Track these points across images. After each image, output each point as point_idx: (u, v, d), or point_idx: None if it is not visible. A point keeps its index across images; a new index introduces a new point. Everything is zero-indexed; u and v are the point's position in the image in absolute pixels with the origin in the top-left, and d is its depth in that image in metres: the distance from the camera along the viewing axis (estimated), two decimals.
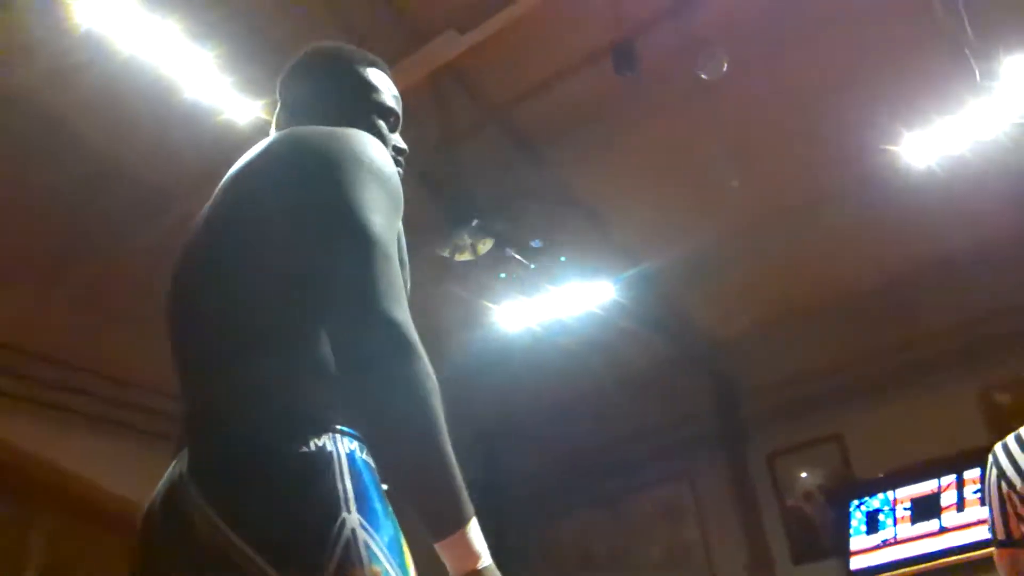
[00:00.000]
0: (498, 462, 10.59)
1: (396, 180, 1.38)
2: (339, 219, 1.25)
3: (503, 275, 6.47)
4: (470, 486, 1.13)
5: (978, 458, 8.14)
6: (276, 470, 1.15)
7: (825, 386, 8.61)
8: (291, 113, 1.63)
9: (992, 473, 2.93)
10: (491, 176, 6.53)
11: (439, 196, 6.01)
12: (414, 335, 1.18)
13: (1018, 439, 2.84)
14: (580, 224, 7.31)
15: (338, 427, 1.21)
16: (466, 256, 5.99)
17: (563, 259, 6.96)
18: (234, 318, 1.29)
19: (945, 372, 8.19)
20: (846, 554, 8.22)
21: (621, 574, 9.46)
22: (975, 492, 8.00)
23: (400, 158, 1.67)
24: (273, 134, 1.55)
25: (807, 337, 8.69)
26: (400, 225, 1.39)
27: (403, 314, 1.19)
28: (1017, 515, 2.73)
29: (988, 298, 7.96)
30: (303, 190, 1.30)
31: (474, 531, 1.16)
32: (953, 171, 5.95)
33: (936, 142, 5.72)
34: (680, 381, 9.29)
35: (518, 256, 6.41)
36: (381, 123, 1.62)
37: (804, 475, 9.05)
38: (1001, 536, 2.80)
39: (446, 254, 5.94)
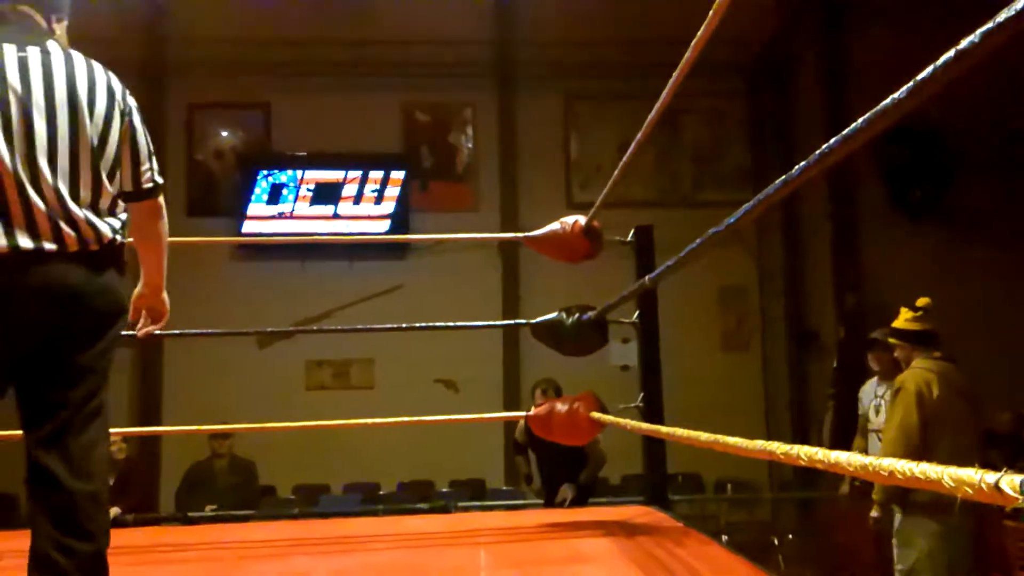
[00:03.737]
0: None
1: None
2: None
3: None
4: None
5: (386, 162, 9.02)
6: None
7: (265, 54, 8.33)
8: None
9: None
10: None
11: None
12: None
13: None
14: None
15: None
16: None
17: None
18: None
19: (376, 79, 8.55)
20: (241, 217, 8.46)
21: None
22: (373, 191, 8.78)
23: None
24: None
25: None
26: None
27: None
28: None
29: (429, 26, 8.48)
30: None
31: None
32: None
33: None
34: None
35: None
36: None
37: (225, 134, 8.94)
38: None
39: None
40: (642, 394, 3.57)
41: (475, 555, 2.67)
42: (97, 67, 1.90)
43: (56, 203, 1.75)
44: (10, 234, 1.69)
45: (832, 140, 1.28)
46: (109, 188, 1.85)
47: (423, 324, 4.11)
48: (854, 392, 5.25)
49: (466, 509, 6.24)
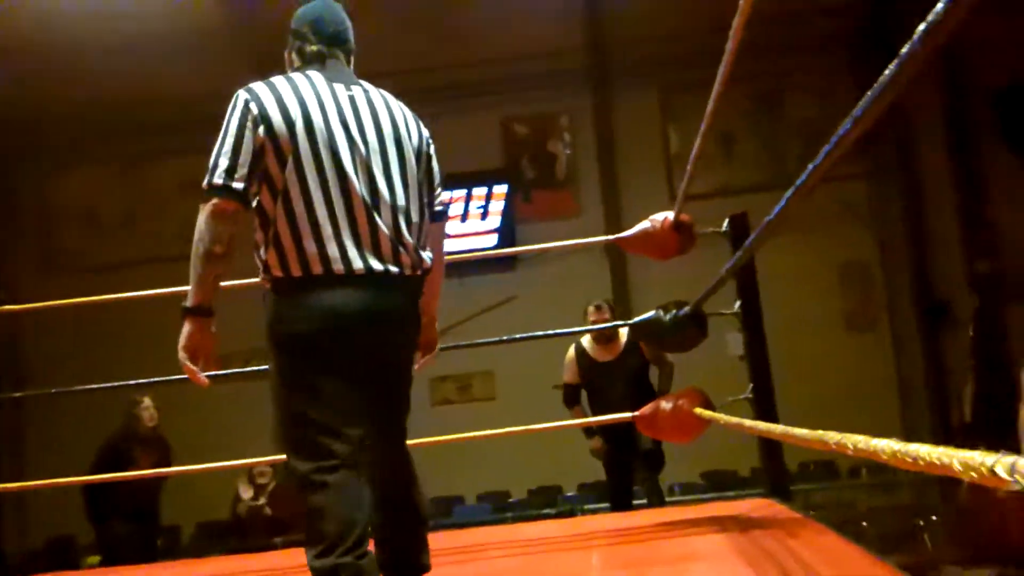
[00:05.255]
0: None
1: None
2: None
3: None
4: None
5: (489, 178, 9.20)
6: None
7: None
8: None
9: None
10: None
11: None
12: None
13: None
14: None
15: None
16: None
17: None
18: None
19: (476, 96, 8.73)
20: None
21: (134, 242, 9.08)
22: (478, 207, 8.97)
23: None
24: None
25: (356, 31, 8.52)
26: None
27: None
28: None
29: (519, 41, 8.56)
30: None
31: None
32: None
33: None
34: (221, 49, 8.59)
35: None
36: None
37: None
38: None
39: None
40: (751, 385, 3.54)
41: (587, 558, 2.72)
42: (400, 102, 2.06)
43: (394, 230, 1.89)
44: (363, 256, 1.85)
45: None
46: (426, 214, 2.03)
47: (526, 335, 4.20)
48: (996, 363, 4.96)
49: (594, 511, 6.28)
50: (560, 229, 8.07)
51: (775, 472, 3.55)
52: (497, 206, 8.85)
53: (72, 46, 8.25)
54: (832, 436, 1.19)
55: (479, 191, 8.93)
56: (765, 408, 3.43)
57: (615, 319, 4.72)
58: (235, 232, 1.88)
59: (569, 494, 7.38)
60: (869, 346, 8.24)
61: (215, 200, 1.84)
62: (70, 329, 7.83)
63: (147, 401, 5.20)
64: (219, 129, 1.87)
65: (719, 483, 7.25)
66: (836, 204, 7.85)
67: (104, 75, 8.28)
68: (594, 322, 4.68)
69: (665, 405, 3.31)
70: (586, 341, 4.82)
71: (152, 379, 4.33)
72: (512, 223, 8.76)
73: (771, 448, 3.50)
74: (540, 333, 4.26)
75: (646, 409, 3.39)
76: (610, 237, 3.84)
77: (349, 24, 2.10)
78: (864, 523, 5.48)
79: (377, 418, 1.96)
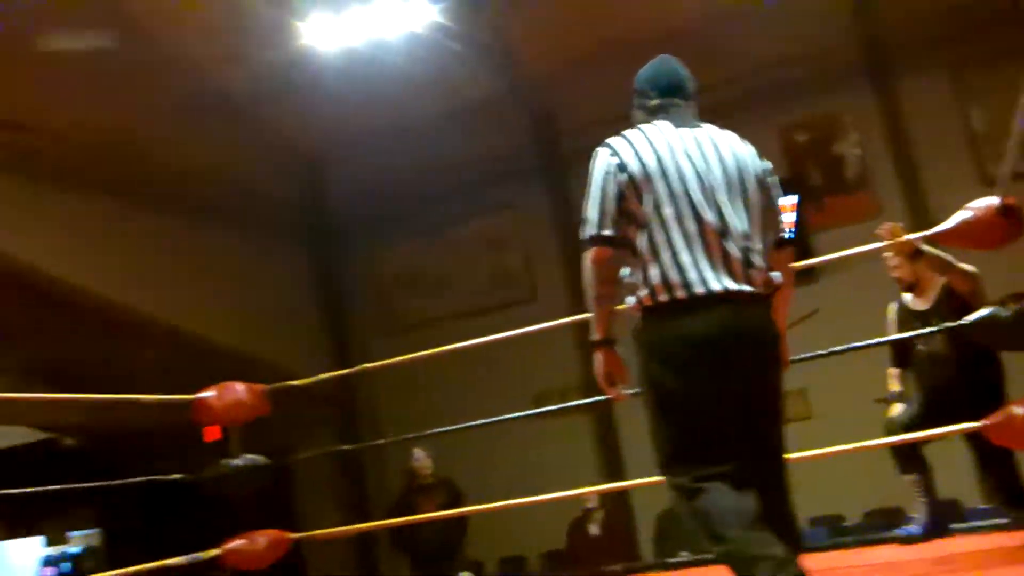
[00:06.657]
0: (322, 185, 10.47)
1: None
2: None
3: None
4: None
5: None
6: None
7: None
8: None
9: None
10: None
11: None
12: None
13: None
14: None
15: None
16: None
17: None
18: None
19: (748, 111, 8.54)
20: None
21: (448, 299, 9.93)
22: None
23: None
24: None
25: (624, 75, 8.74)
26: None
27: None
28: None
29: (783, 43, 8.25)
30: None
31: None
32: None
33: None
34: (504, 113, 9.21)
35: None
36: None
37: None
38: None
39: None
40: None
41: None
42: (738, 137, 2.26)
43: (743, 252, 2.06)
44: (719, 278, 2.02)
45: None
46: (768, 240, 2.17)
47: (832, 348, 4.00)
48: None
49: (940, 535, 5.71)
50: (859, 233, 7.54)
51: None
52: (788, 218, 8.56)
53: (376, 130, 9.33)
54: None
55: None
56: None
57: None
58: (616, 271, 2.12)
59: (911, 515, 6.78)
60: None
61: (592, 249, 2.11)
62: (408, 382, 8.68)
63: (417, 453, 5.53)
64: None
65: None
66: None
67: (414, 152, 9.20)
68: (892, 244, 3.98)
69: (1018, 410, 3.00)
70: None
71: (484, 420, 4.64)
72: (805, 234, 8.40)
73: None
74: (843, 347, 4.03)
75: (997, 417, 3.08)
76: (922, 233, 3.59)
77: (685, 74, 2.34)
78: None
79: (749, 431, 2.04)
